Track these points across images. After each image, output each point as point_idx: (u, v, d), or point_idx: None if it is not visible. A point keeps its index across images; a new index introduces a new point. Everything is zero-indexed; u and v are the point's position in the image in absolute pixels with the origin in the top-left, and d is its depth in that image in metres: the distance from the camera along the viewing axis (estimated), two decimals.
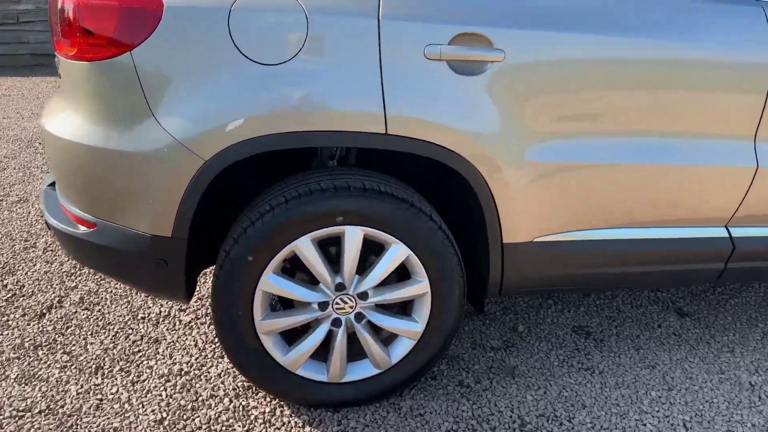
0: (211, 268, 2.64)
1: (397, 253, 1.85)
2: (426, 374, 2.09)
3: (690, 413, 2.07)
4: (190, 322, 2.49)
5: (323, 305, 1.89)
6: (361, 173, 1.84)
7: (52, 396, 2.07)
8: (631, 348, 2.42)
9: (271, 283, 1.81)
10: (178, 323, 2.49)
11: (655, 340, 2.48)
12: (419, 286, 1.90)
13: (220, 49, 1.60)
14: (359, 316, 1.94)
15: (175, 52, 1.60)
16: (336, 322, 1.93)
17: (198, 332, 2.42)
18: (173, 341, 2.36)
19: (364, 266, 1.89)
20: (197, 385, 2.12)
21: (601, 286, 2.10)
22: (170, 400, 2.05)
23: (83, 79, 1.70)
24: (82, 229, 1.83)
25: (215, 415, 1.99)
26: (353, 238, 1.81)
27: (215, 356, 2.27)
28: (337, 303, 1.89)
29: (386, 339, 2.01)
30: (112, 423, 1.95)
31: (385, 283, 1.92)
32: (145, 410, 2.01)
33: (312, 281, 1.92)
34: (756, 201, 2.01)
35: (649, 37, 1.77)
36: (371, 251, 1.94)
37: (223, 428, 1.94)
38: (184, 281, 1.80)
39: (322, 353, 1.96)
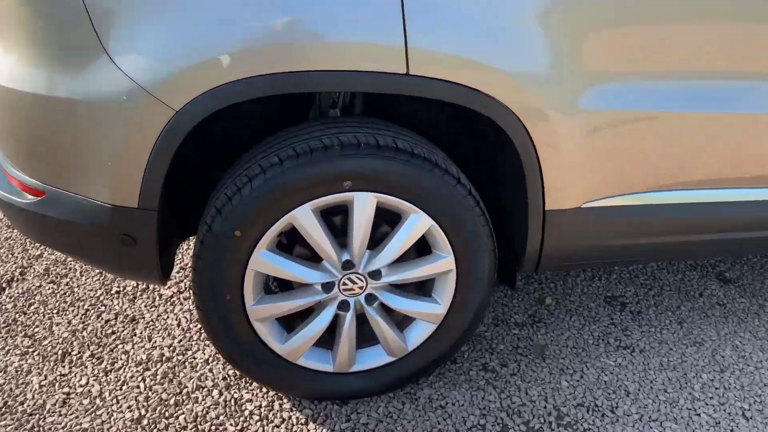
0: (192, 238, 2.31)
1: (417, 223, 1.52)
2: (447, 361, 1.81)
3: (748, 399, 1.81)
4: (171, 297, 2.18)
5: (328, 286, 1.58)
6: (372, 125, 1.49)
7: (11, 390, 1.77)
8: (673, 321, 2.14)
9: (265, 261, 1.49)
10: (158, 298, 2.18)
11: (699, 312, 2.20)
12: (442, 263, 1.59)
13: None
14: (370, 298, 1.63)
15: None
16: (343, 305, 1.62)
17: (181, 309, 2.11)
18: (152, 320, 2.06)
19: (375, 240, 1.57)
20: (181, 375, 1.83)
21: (656, 258, 1.80)
22: (149, 393, 1.76)
23: (15, 5, 1.31)
24: (29, 197, 1.48)
25: (203, 410, 1.70)
26: (364, 206, 1.47)
27: (201, 338, 1.98)
28: (344, 283, 1.57)
29: (401, 322, 1.71)
30: (80, 423, 1.66)
31: (401, 260, 1.60)
32: (120, 406, 1.72)
33: (314, 258, 1.60)
34: None
35: None
36: (384, 221, 1.62)
37: (213, 427, 1.66)
38: (157, 260, 1.47)
39: (328, 339, 1.66)
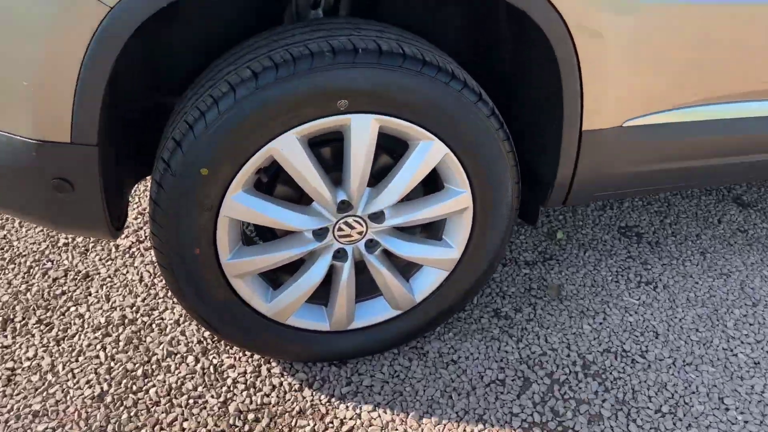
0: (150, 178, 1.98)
1: (429, 152, 1.24)
2: (460, 311, 1.59)
3: None
4: (130, 247, 1.87)
5: (320, 233, 1.30)
6: (370, 27, 1.17)
7: None
8: (695, 252, 1.96)
9: (241, 206, 1.19)
10: (114, 250, 1.87)
11: (720, 240, 2.02)
12: (458, 200, 1.32)
13: None
14: (371, 244, 1.37)
15: None
16: (340, 255, 1.35)
17: (143, 261, 1.82)
18: (110, 276, 1.76)
19: (374, 175, 1.28)
20: (148, 340, 1.56)
21: (702, 183, 1.57)
22: (112, 364, 1.49)
23: None
24: None
25: (177, 381, 1.45)
26: (364, 132, 1.18)
27: (169, 295, 1.70)
28: (340, 229, 1.30)
29: (406, 269, 1.46)
30: (29, 404, 1.39)
31: (406, 199, 1.33)
32: (77, 382, 1.45)
33: (302, 200, 1.31)
34: None
35: None
36: (384, 151, 1.34)
37: (191, 401, 1.41)
38: (104, 209, 1.16)
39: (322, 293, 1.40)
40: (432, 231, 1.45)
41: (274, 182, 1.31)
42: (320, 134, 1.21)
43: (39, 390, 1.42)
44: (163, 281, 1.73)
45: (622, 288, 1.80)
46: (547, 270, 1.86)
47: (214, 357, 1.51)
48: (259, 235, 1.46)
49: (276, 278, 1.40)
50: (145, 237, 1.91)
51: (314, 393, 1.44)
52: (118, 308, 1.65)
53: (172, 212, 1.16)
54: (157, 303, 1.67)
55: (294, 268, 1.37)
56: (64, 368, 1.48)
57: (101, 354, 1.52)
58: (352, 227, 1.31)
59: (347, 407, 1.40)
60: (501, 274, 1.83)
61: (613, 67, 1.21)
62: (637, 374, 1.52)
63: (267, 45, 1.13)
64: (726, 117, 1.36)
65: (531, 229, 2.03)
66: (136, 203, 2.07)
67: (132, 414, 1.37)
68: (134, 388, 1.43)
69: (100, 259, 1.83)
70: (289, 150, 1.16)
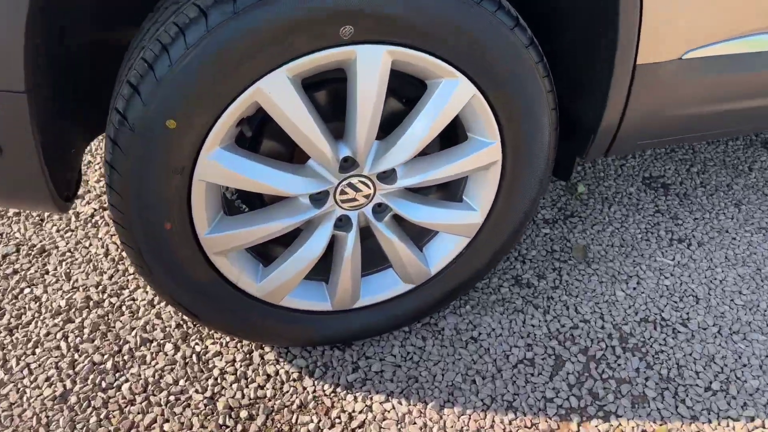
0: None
1: (453, 93, 1.00)
2: (480, 281, 1.38)
3: None
4: (92, 215, 1.62)
5: (319, 198, 1.07)
6: None
7: None
8: (729, 204, 1.77)
9: (219, 166, 0.95)
10: (74, 219, 1.62)
11: (753, 190, 1.83)
12: (486, 152, 1.09)
13: None
14: (380, 209, 1.14)
15: None
16: (342, 222, 1.13)
17: (108, 231, 1.57)
18: (70, 251, 1.52)
19: (383, 120, 1.04)
20: (118, 325, 1.33)
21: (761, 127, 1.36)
22: (76, 357, 1.27)
23: None
24: None
25: (154, 375, 1.24)
26: (374, 68, 0.93)
27: None
28: (343, 192, 1.07)
29: (418, 236, 1.24)
30: None
31: (421, 153, 1.10)
32: (35, 379, 1.22)
33: (296, 157, 1.07)
34: None
35: None
36: (393, 94, 1.09)
37: (172, 398, 1.20)
38: (44, 175, 0.91)
39: (322, 267, 1.18)
40: (449, 191, 1.23)
41: (260, 136, 1.06)
42: (316, 74, 0.96)
43: None
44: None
45: (653, 247, 1.61)
46: (569, 229, 1.66)
47: (196, 343, 1.30)
48: (245, 202, 1.23)
49: (267, 252, 1.17)
50: None
51: (316, 383, 1.24)
52: (80, 288, 1.42)
53: (133, 178, 0.91)
54: (127, 281, 1.43)
55: (289, 238, 1.14)
56: (18, 363, 1.25)
57: (62, 344, 1.29)
58: (357, 189, 1.08)
59: (355, 398, 1.21)
60: None
61: None
62: (680, 346, 1.35)
63: None
64: None
65: (578, 166, 1.82)
66: (97, 161, 1.80)
67: (102, 416, 1.16)
68: (103, 384, 1.22)
69: (58, 231, 1.57)
70: (279, 93, 0.91)
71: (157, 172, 0.92)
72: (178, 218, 0.98)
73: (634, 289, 1.48)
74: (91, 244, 1.53)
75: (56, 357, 1.27)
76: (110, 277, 1.44)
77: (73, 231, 1.58)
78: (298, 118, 0.94)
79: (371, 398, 1.21)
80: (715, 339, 1.37)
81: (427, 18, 0.90)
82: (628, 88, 1.08)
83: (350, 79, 0.95)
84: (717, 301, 1.46)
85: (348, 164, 1.04)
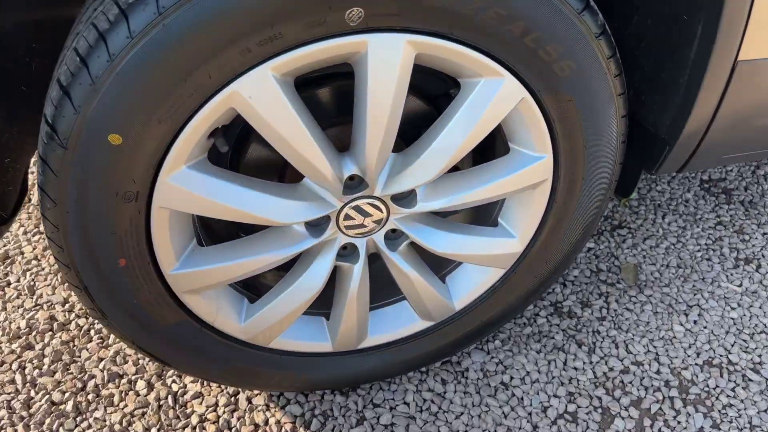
0: None
1: (496, 96, 0.76)
2: (515, 317, 1.16)
3: None
4: None
5: (318, 224, 0.85)
6: None
7: None
8: None
9: (184, 190, 0.72)
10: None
11: None
12: (534, 169, 0.85)
13: None
14: (394, 236, 0.91)
15: None
16: (346, 251, 0.90)
17: None
18: (36, 258, 1.31)
19: (404, 132, 0.81)
20: (84, 355, 1.13)
21: None
22: (32, 393, 1.07)
23: None
24: None
25: (122, 422, 1.04)
26: (391, 63, 0.69)
27: None
28: (347, 216, 0.84)
29: (439, 263, 1.01)
30: None
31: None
32: None
33: (287, 174, 0.85)
34: None
35: None
36: (414, 93, 0.86)
37: None
38: None
39: (321, 298, 0.96)
40: (481, 211, 0.99)
41: (240, 150, 0.83)
42: (314, 70, 0.72)
43: None
44: None
45: (716, 269, 1.36)
46: (617, 243, 1.42)
47: (173, 382, 1.09)
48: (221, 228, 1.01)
49: (254, 283, 0.95)
50: None
51: None
52: (44, 306, 1.22)
53: (71, 207, 0.69)
54: None
55: (281, 268, 0.92)
56: None
57: (18, 377, 1.10)
58: (366, 214, 0.85)
59: None
60: None
61: None
62: (752, 399, 1.11)
63: None
64: None
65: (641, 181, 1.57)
66: None
67: None
68: (61, 431, 1.02)
69: (25, 233, 1.37)
70: (262, 98, 0.67)
71: (102, 199, 0.69)
72: (134, 253, 0.76)
73: (695, 323, 1.25)
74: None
75: (10, 393, 1.07)
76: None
77: (42, 234, 1.37)
78: (288, 130, 0.71)
79: None
80: None
81: (465, 4, 0.65)
82: (723, 90, 0.83)
83: (359, 79, 0.71)
84: None
85: (355, 183, 0.81)
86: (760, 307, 1.28)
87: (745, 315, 1.27)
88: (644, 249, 1.41)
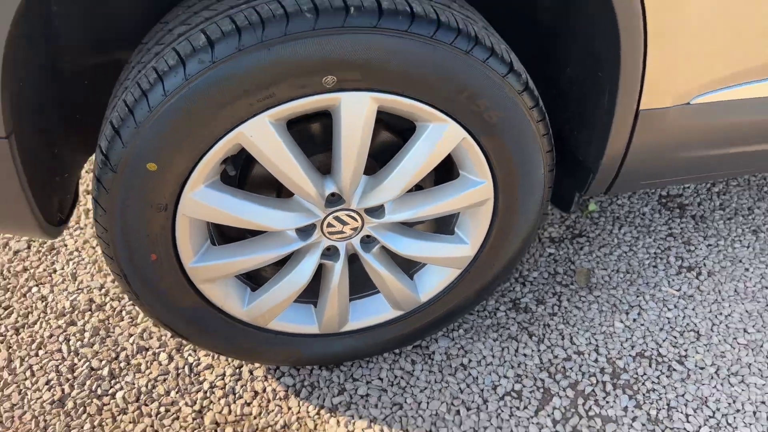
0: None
1: (442, 137, 0.97)
2: (473, 309, 1.37)
3: None
4: None
5: (306, 230, 1.07)
6: None
7: None
8: (747, 230, 1.70)
9: (203, 203, 0.96)
10: (83, 216, 1.66)
11: None
12: (476, 191, 1.07)
13: None
14: (368, 240, 1.14)
15: None
16: (329, 252, 1.13)
17: None
18: (78, 249, 1.56)
19: (375, 152, 1.03)
20: (116, 330, 1.38)
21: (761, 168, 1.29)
22: (76, 361, 1.32)
23: None
24: None
25: (147, 385, 1.28)
26: (358, 114, 0.91)
27: None
28: (329, 224, 1.07)
29: (408, 263, 1.24)
30: None
31: (412, 189, 1.08)
32: (36, 381, 1.28)
33: (282, 191, 1.07)
34: None
35: None
36: (385, 127, 1.08)
37: (162, 408, 1.25)
38: (31, 208, 0.93)
39: (310, 289, 1.19)
40: (441, 222, 1.21)
41: (245, 172, 1.06)
42: (303, 114, 0.94)
43: None
44: None
45: (660, 275, 1.56)
46: (575, 250, 1.62)
47: (189, 354, 1.33)
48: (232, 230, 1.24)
49: (255, 275, 1.18)
50: None
51: (301, 403, 1.26)
52: (84, 290, 1.46)
53: (117, 214, 0.93)
54: None
55: (276, 264, 1.15)
56: (22, 364, 1.31)
57: (64, 347, 1.34)
58: (344, 223, 1.07)
59: (338, 422, 1.23)
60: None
61: (686, 29, 0.91)
62: (673, 386, 1.32)
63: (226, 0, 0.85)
64: None
65: (578, 201, 1.78)
66: None
67: (95, 424, 1.21)
68: (99, 391, 1.27)
69: (67, 228, 1.62)
70: (261, 137, 0.90)
71: (141, 210, 0.93)
72: (162, 251, 0.99)
73: (634, 320, 1.45)
74: (97, 244, 1.58)
75: (57, 360, 1.32)
76: (113, 280, 1.49)
77: (82, 229, 1.62)
78: (281, 160, 0.94)
79: (354, 423, 1.23)
80: (711, 380, 1.33)
81: (414, 67, 0.87)
82: (631, 132, 1.04)
83: (335, 122, 0.93)
84: (719, 339, 1.42)
85: (335, 199, 1.04)
86: (693, 309, 1.48)
87: (679, 315, 1.47)
88: (599, 256, 1.61)
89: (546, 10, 1.09)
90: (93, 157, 1.10)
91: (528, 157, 1.03)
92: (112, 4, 1.03)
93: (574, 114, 1.12)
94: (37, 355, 1.33)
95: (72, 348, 1.34)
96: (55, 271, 1.51)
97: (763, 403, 1.30)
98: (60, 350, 1.34)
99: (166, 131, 0.85)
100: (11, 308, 1.42)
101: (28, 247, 1.57)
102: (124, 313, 1.41)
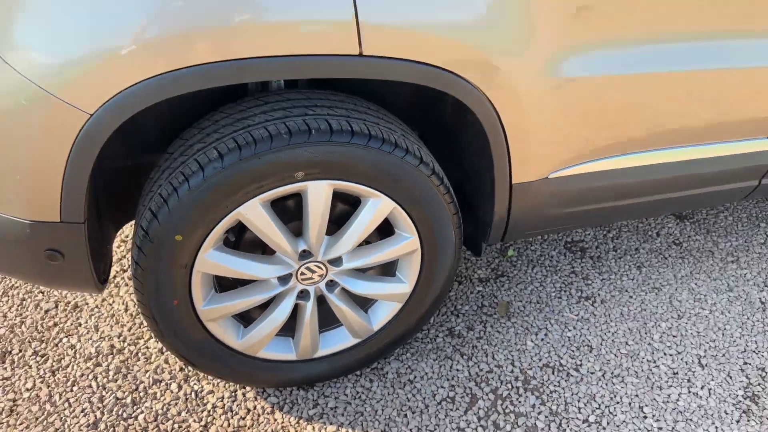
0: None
1: (378, 208, 1.40)
2: (416, 334, 1.77)
3: (704, 346, 1.87)
4: (114, 277, 2.03)
5: (285, 278, 1.47)
6: (324, 101, 1.33)
7: None
8: (632, 267, 2.16)
9: (212, 262, 1.36)
10: None
11: (656, 254, 2.23)
12: (407, 244, 1.50)
13: None
14: (331, 284, 1.54)
15: None
16: (303, 294, 1.52)
17: (127, 291, 1.98)
18: (97, 307, 1.92)
19: (333, 219, 1.45)
20: (135, 368, 1.73)
21: (623, 218, 1.76)
22: (104, 393, 1.66)
23: None
24: None
25: (163, 408, 1.63)
26: (319, 195, 1.34)
27: None
28: (302, 273, 1.47)
29: (363, 301, 1.64)
30: None
31: (363, 243, 1.50)
32: (73, 410, 1.62)
33: (267, 250, 1.48)
34: None
35: None
36: (342, 201, 1.50)
37: (175, 425, 1.59)
38: (91, 271, 1.32)
39: (289, 326, 1.58)
40: (387, 267, 1.63)
41: (241, 236, 1.47)
42: (281, 196, 1.37)
43: (39, 419, 1.59)
44: None
45: (563, 304, 2.00)
46: (498, 287, 2.05)
47: (195, 383, 1.69)
48: (230, 281, 1.63)
49: (247, 315, 1.57)
50: (128, 266, 2.07)
51: (284, 416, 1.62)
52: (106, 338, 1.82)
53: (151, 271, 1.32)
54: (142, 332, 1.83)
55: (262, 306, 1.54)
56: (60, 398, 1.65)
57: (93, 383, 1.69)
58: (313, 271, 1.48)
59: (314, 428, 1.60)
60: (456, 292, 2.02)
61: (535, 133, 1.38)
62: (570, 387, 1.73)
63: (231, 125, 1.28)
64: (637, 165, 1.55)
65: (485, 247, 2.22)
66: (121, 232, 2.22)
67: None
68: (125, 415, 1.61)
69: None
70: (254, 214, 1.32)
71: (169, 268, 1.32)
72: (182, 297, 1.38)
73: (542, 339, 1.87)
74: (114, 302, 1.94)
75: (89, 393, 1.66)
76: (129, 329, 1.84)
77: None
78: (268, 230, 1.35)
79: (326, 428, 1.59)
80: (599, 381, 1.75)
81: (356, 164, 1.31)
82: (509, 199, 1.49)
83: (304, 201, 1.36)
84: (606, 350, 1.84)
85: (305, 254, 1.45)
86: (588, 329, 1.91)
87: (577, 334, 1.89)
88: (516, 291, 2.04)
89: (449, 117, 1.55)
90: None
91: (441, 219, 1.47)
92: (140, 121, 1.46)
93: (474, 187, 1.57)
94: (71, 390, 1.67)
95: (100, 383, 1.69)
96: (80, 324, 1.86)
97: (636, 395, 1.71)
98: (90, 386, 1.68)
99: (190, 213, 1.26)
100: (47, 355, 1.76)
101: (56, 306, 1.92)
102: (140, 354, 1.77)
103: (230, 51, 1.09)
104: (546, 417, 1.64)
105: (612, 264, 2.17)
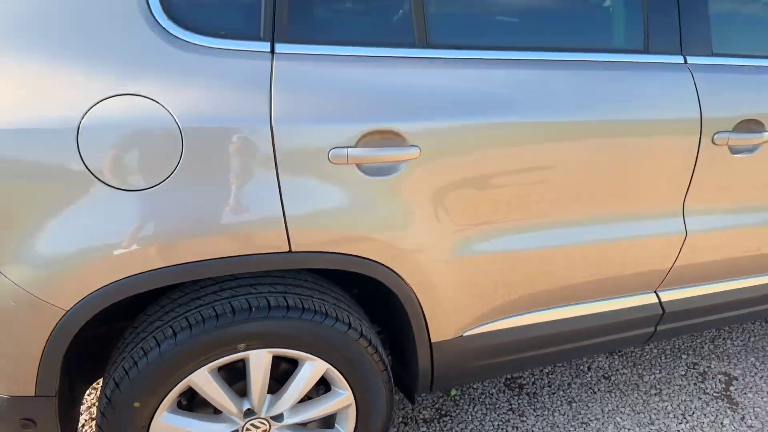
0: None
1: (313, 369, 1.63)
2: None
3: None
4: (83, 425, 2.17)
5: None
6: (265, 278, 1.59)
7: None
8: (564, 402, 2.35)
9: (165, 423, 1.55)
10: None
11: (586, 388, 2.43)
12: (342, 399, 1.70)
13: (68, 173, 1.28)
14: None
15: (7, 185, 1.27)
16: None
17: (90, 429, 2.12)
18: None
19: (275, 376, 1.66)
20: None
21: (535, 365, 1.99)
22: None
23: None
24: None
25: None
26: (260, 362, 1.57)
27: None
28: (247, 429, 1.66)
29: None
30: None
31: (302, 399, 1.71)
32: None
33: (216, 409, 1.67)
34: (685, 264, 1.94)
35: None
36: (283, 360, 1.72)
37: None
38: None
39: None
40: (326, 419, 1.82)
41: (192, 399, 1.68)
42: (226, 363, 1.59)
43: None
44: None
45: None
46: (441, 427, 2.22)
47: None
48: None
49: None
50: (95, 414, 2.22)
51: None
52: None
53: None
54: None
55: None
56: None
57: None
58: (257, 427, 1.67)
59: None
60: None
61: (445, 301, 1.65)
62: None
63: (186, 304, 1.53)
64: (541, 321, 1.81)
65: (417, 396, 2.41)
66: None
67: None
68: None
69: None
70: (203, 381, 1.53)
71: (129, 429, 1.51)
72: None
73: None
74: None
75: None
76: None
77: None
78: (215, 393, 1.56)
79: None
80: None
81: (292, 333, 1.55)
82: (431, 356, 1.72)
83: (248, 366, 1.58)
84: None
85: (250, 412, 1.64)
86: None
87: None
88: (458, 430, 2.21)
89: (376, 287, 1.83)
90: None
91: (371, 376, 1.69)
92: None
93: (403, 344, 1.81)
94: None
95: None
96: None
97: None
98: None
99: (148, 383, 1.47)
100: None
101: None
102: None
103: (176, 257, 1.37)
104: None
105: (546, 400, 2.36)
